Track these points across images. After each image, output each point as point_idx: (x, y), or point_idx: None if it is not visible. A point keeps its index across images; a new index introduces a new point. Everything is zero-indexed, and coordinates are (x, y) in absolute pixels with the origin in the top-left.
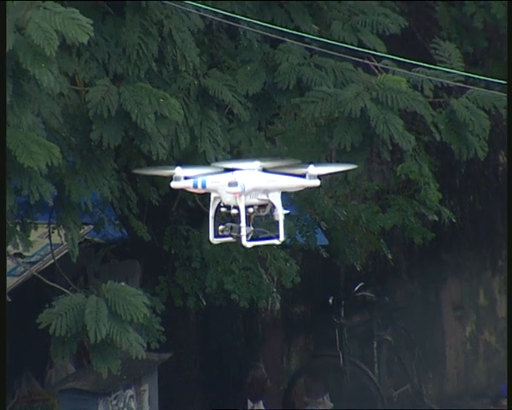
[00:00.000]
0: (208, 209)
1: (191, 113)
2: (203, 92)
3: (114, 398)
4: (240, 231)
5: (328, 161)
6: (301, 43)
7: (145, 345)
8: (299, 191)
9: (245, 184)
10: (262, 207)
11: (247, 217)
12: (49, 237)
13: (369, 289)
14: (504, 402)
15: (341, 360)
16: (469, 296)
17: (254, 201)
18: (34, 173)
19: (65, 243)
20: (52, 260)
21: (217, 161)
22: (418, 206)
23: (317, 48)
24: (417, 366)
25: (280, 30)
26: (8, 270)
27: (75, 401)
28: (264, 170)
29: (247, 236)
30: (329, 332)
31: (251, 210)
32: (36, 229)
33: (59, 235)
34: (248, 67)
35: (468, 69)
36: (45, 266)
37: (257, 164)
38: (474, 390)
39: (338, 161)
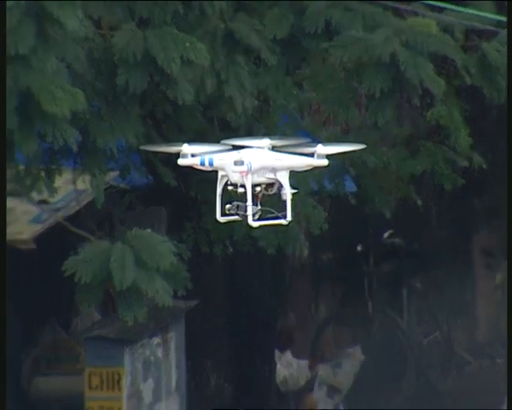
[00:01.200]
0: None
1: (217, 57)
2: (230, 36)
3: (141, 346)
4: (246, 210)
5: (358, 107)
6: None
7: (171, 292)
8: (329, 136)
9: (251, 163)
10: (270, 186)
11: (255, 196)
12: (74, 183)
13: (399, 237)
14: None
15: (370, 308)
16: (500, 243)
17: (262, 179)
18: (58, 119)
19: (90, 190)
20: (77, 207)
21: (244, 106)
22: (448, 152)
23: None
24: (447, 313)
25: None
26: (32, 217)
27: (101, 349)
28: (274, 148)
29: (254, 215)
30: (358, 280)
31: (258, 189)
32: (60, 175)
33: (83, 181)
34: (276, 11)
35: (499, 12)
36: (70, 212)
37: (266, 141)
38: (504, 338)
39: (367, 107)
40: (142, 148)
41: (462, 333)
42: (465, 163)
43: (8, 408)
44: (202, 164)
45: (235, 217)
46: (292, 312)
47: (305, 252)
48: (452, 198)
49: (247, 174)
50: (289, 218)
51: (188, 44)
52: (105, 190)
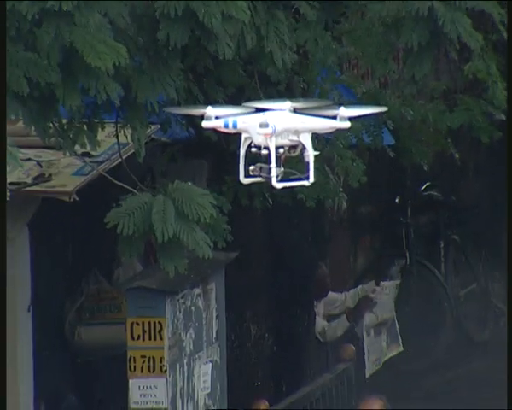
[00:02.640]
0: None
1: (258, 13)
2: None
3: (182, 296)
4: (270, 172)
5: (396, 61)
6: None
7: (212, 244)
8: (368, 90)
9: (276, 125)
10: (292, 147)
11: (278, 158)
12: (117, 136)
13: (436, 189)
14: None
15: (408, 259)
16: None
17: (285, 142)
18: (101, 73)
19: (131, 143)
20: (119, 160)
21: (283, 61)
22: (485, 105)
23: None
24: (484, 265)
25: None
26: (75, 169)
27: (143, 300)
28: (295, 110)
29: (277, 176)
30: (396, 232)
31: (281, 151)
32: (103, 129)
33: (125, 135)
34: None
35: None
36: (112, 165)
37: (288, 104)
38: None
39: (405, 62)
40: (166, 110)
41: (500, 285)
42: (502, 116)
43: (53, 358)
44: (226, 126)
45: (259, 178)
46: (331, 263)
47: (344, 205)
48: (489, 151)
49: (271, 136)
50: (312, 179)
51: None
52: (146, 143)
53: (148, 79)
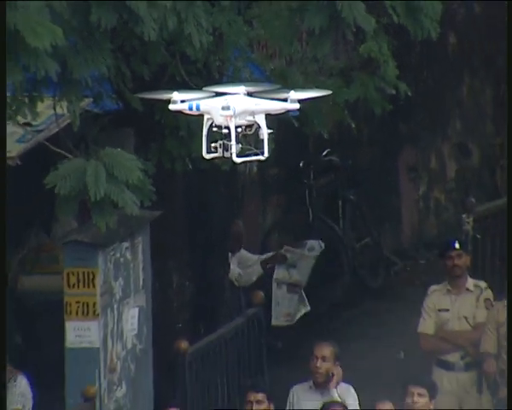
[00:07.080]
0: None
1: None
2: None
3: (112, 249)
4: (230, 149)
5: (300, 42)
6: None
7: (138, 203)
8: (275, 68)
9: (235, 108)
10: (249, 127)
11: (236, 136)
12: (54, 108)
13: (335, 155)
14: (453, 253)
15: (310, 215)
16: (422, 161)
17: (242, 122)
18: (40, 52)
19: (67, 114)
20: (57, 129)
21: (201, 42)
22: (378, 81)
23: None
24: (376, 221)
25: None
26: (17, 137)
27: (77, 252)
28: (249, 94)
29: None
30: (300, 192)
31: (239, 130)
32: (42, 101)
33: (61, 107)
34: None
35: None
36: (50, 134)
37: (242, 88)
38: (426, 241)
39: (308, 42)
40: (136, 96)
41: (390, 238)
42: (392, 91)
43: None
44: (190, 109)
45: (219, 154)
46: (244, 219)
47: (255, 168)
48: (382, 122)
49: (231, 118)
50: (266, 154)
51: None
52: (80, 114)
53: (82, 58)
